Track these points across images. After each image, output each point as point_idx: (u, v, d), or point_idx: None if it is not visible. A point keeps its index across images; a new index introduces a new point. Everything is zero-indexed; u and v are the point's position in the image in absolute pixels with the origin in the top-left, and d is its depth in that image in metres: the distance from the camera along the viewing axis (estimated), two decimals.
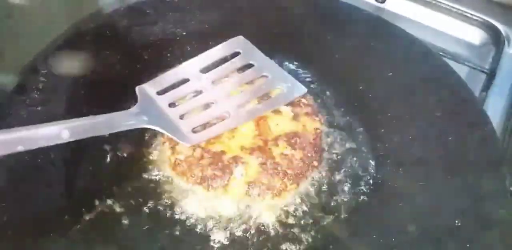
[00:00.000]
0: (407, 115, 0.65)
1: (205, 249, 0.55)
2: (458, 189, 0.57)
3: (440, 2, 0.86)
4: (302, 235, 0.56)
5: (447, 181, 0.58)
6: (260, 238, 0.56)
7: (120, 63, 0.68)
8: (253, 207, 0.58)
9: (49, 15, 0.76)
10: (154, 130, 0.58)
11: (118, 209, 0.57)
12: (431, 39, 0.81)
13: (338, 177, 0.62)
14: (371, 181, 0.61)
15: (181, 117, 0.60)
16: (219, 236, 0.56)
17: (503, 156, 0.61)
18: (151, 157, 0.62)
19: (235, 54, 0.67)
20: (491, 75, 0.77)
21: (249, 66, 0.66)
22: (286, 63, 0.72)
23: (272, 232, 0.56)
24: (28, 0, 0.78)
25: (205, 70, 0.65)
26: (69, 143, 0.51)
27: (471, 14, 0.85)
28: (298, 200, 0.59)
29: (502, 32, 0.83)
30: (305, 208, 0.58)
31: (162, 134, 0.60)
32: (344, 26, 0.73)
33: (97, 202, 0.57)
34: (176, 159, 0.59)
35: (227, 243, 0.55)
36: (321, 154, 0.63)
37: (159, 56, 0.71)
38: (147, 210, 0.57)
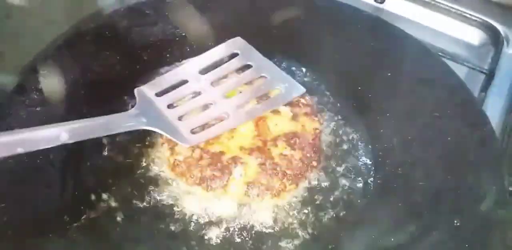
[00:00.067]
0: (406, 115, 0.65)
1: (202, 247, 0.55)
2: (457, 189, 0.58)
3: (439, 3, 0.86)
4: (301, 234, 0.56)
5: (446, 181, 0.58)
6: (258, 237, 0.56)
7: (120, 64, 0.68)
8: (252, 207, 0.58)
9: (49, 16, 0.76)
10: (153, 131, 0.58)
11: (116, 206, 0.57)
12: (430, 40, 0.81)
13: (337, 177, 0.62)
14: (370, 181, 0.61)
15: (180, 118, 0.60)
16: (217, 235, 0.56)
17: (502, 156, 0.62)
18: (150, 158, 0.62)
19: (234, 55, 0.67)
20: (490, 75, 0.77)
21: (248, 67, 0.66)
22: (285, 63, 0.72)
23: (271, 231, 0.56)
24: (28, 1, 0.78)
25: (204, 71, 0.65)
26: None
27: (470, 14, 0.85)
28: (297, 200, 0.59)
29: (501, 32, 0.83)
30: (303, 208, 0.59)
31: (161, 135, 0.60)
32: (343, 26, 0.73)
33: (96, 201, 0.57)
34: (175, 159, 0.59)
35: (224, 241, 0.56)
36: (320, 154, 0.63)
37: (158, 57, 0.71)
38: (146, 209, 0.58)
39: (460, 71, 0.75)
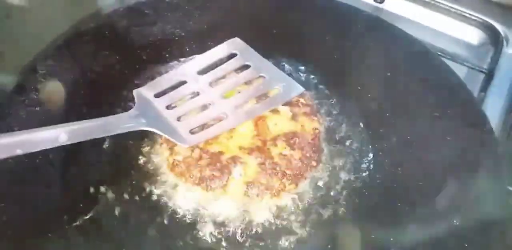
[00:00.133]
0: (406, 115, 0.65)
1: (202, 246, 0.55)
2: (457, 188, 0.58)
3: (439, 3, 0.86)
4: (300, 233, 0.56)
5: (445, 181, 0.58)
6: (257, 235, 0.56)
7: (119, 64, 0.68)
8: (251, 207, 0.58)
9: (48, 16, 0.76)
10: (152, 131, 0.58)
11: (115, 205, 0.57)
12: (430, 39, 0.81)
13: (336, 176, 0.62)
14: (369, 181, 0.61)
15: (179, 119, 0.61)
16: (216, 234, 0.56)
17: (501, 156, 0.61)
18: (149, 158, 0.62)
19: (232, 55, 0.67)
20: (489, 75, 0.77)
21: (246, 67, 0.67)
22: (284, 63, 0.72)
23: (270, 230, 0.57)
24: (27, 1, 0.78)
25: (202, 72, 0.66)
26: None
27: (469, 14, 0.85)
28: (297, 200, 0.59)
29: (501, 32, 0.83)
30: (303, 208, 0.58)
31: (160, 136, 0.61)
32: (343, 26, 0.73)
33: (95, 201, 0.57)
34: (174, 159, 0.59)
35: (224, 240, 0.56)
36: (320, 154, 0.63)
37: (158, 57, 0.71)
38: (145, 208, 0.58)
39: (460, 71, 0.75)
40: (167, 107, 0.61)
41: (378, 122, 0.66)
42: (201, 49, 0.70)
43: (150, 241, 0.56)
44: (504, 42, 0.82)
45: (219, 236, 0.56)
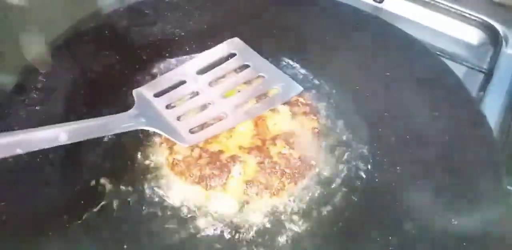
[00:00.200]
0: (405, 115, 0.66)
1: (202, 245, 0.56)
2: (455, 188, 0.58)
3: (438, 2, 0.86)
4: (299, 231, 0.57)
5: (444, 180, 0.59)
6: (256, 233, 0.56)
7: (119, 64, 0.68)
8: (250, 205, 0.58)
9: (48, 16, 0.76)
10: (152, 131, 0.59)
11: (115, 204, 0.57)
12: (429, 39, 0.81)
13: (336, 176, 0.62)
14: (368, 180, 0.61)
15: (178, 118, 0.61)
16: (215, 231, 0.56)
17: (500, 155, 0.62)
18: (149, 157, 0.62)
19: (231, 55, 0.67)
20: (488, 75, 0.77)
21: (245, 67, 0.67)
22: (283, 63, 0.72)
23: (268, 228, 0.57)
24: (27, 1, 0.78)
25: (202, 72, 0.66)
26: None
27: (469, 14, 0.85)
28: (296, 199, 0.59)
29: (500, 32, 0.83)
30: (302, 207, 0.59)
31: (160, 135, 0.61)
32: (342, 26, 0.73)
33: (94, 200, 0.57)
34: (174, 159, 0.60)
35: (222, 238, 0.56)
36: (319, 153, 0.63)
37: (158, 57, 0.71)
38: (145, 207, 0.58)
39: (459, 70, 0.75)
40: (167, 107, 0.61)
41: (377, 121, 0.66)
42: (201, 49, 0.70)
43: (149, 238, 0.56)
44: (504, 42, 0.82)
45: (218, 234, 0.56)
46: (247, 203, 0.58)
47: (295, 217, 0.58)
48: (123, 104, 0.65)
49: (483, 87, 0.75)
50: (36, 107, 0.61)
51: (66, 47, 0.67)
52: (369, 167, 0.62)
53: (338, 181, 0.61)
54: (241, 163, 0.59)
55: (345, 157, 0.63)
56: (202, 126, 0.61)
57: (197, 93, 0.64)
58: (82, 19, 0.71)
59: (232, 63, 0.67)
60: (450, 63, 0.72)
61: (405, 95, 0.68)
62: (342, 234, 0.56)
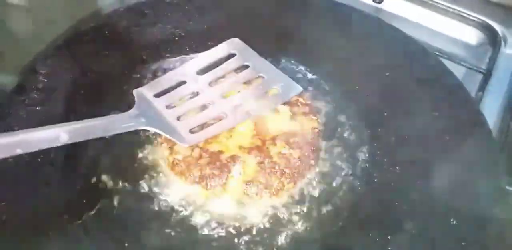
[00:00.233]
0: (404, 115, 0.66)
1: (201, 245, 0.56)
2: (454, 188, 0.58)
3: (437, 3, 0.87)
4: (298, 231, 0.57)
5: (443, 180, 0.59)
6: (256, 233, 0.57)
7: (119, 64, 0.68)
8: (250, 205, 0.58)
9: (48, 16, 0.76)
10: (152, 131, 0.59)
11: (114, 204, 0.58)
12: (428, 40, 0.81)
13: (335, 176, 0.62)
14: (368, 180, 0.61)
15: (179, 118, 0.61)
16: (214, 231, 0.57)
17: (499, 155, 0.62)
18: (149, 157, 0.62)
19: (231, 56, 0.67)
20: (487, 75, 0.77)
21: (245, 67, 0.67)
22: (283, 63, 0.73)
23: (268, 228, 0.57)
24: (27, 1, 0.78)
25: (202, 72, 0.66)
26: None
27: (468, 14, 0.86)
28: (295, 199, 0.59)
29: (499, 32, 0.83)
30: (301, 206, 0.59)
31: (160, 135, 0.61)
32: (341, 26, 0.74)
33: (94, 200, 0.57)
34: (174, 159, 0.60)
35: (221, 237, 0.56)
36: (318, 153, 0.63)
37: (158, 57, 0.71)
38: (145, 207, 0.58)
39: (458, 71, 0.75)
40: (167, 107, 0.61)
41: (376, 121, 0.66)
42: (201, 49, 0.70)
43: (149, 237, 0.56)
44: (502, 42, 0.82)
45: (217, 234, 0.56)
46: (247, 202, 0.58)
47: (294, 217, 0.58)
48: (124, 104, 0.65)
49: (482, 87, 0.75)
50: (37, 108, 0.61)
51: (66, 47, 0.67)
52: (369, 167, 0.62)
53: (338, 180, 0.61)
54: (241, 163, 0.59)
55: (345, 157, 0.64)
56: (202, 126, 0.61)
57: (197, 94, 0.64)
58: (82, 19, 0.71)
59: (232, 63, 0.67)
60: (449, 64, 0.72)
61: (405, 95, 0.68)
62: (342, 234, 0.57)
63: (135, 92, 0.62)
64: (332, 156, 0.64)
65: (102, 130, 0.54)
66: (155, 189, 0.59)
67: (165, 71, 0.69)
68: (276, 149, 0.60)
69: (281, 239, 0.56)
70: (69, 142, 0.51)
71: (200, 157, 0.59)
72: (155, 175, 0.60)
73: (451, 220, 0.55)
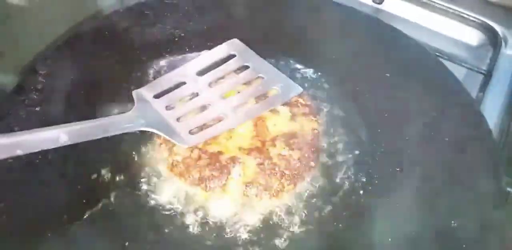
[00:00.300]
0: (404, 116, 0.65)
1: (197, 243, 0.56)
2: (455, 189, 0.58)
3: (438, 4, 0.86)
4: (297, 233, 0.57)
5: (443, 182, 0.59)
6: (254, 234, 0.56)
7: (119, 64, 0.68)
8: (250, 207, 0.58)
9: (49, 16, 0.76)
10: (152, 132, 0.59)
11: (114, 204, 0.58)
12: (429, 40, 0.81)
13: (335, 177, 0.62)
14: (368, 181, 0.61)
15: (178, 119, 0.61)
16: (214, 233, 0.57)
17: (499, 157, 0.61)
18: (148, 158, 0.62)
19: (231, 56, 0.67)
20: (488, 76, 0.77)
21: (245, 68, 0.67)
22: (283, 64, 0.72)
23: (266, 229, 0.57)
24: (28, 1, 0.78)
25: (201, 73, 0.66)
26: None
27: (468, 15, 0.85)
28: (295, 200, 0.59)
29: (499, 33, 0.83)
30: (301, 208, 0.59)
31: (159, 136, 0.61)
32: (341, 27, 0.73)
33: (94, 200, 0.57)
34: (174, 160, 0.60)
35: (222, 238, 0.56)
36: (319, 154, 0.63)
37: (158, 57, 0.71)
38: (145, 209, 0.58)
39: (458, 71, 0.75)
40: (167, 108, 0.61)
41: (377, 123, 0.66)
42: (201, 49, 0.70)
43: (148, 238, 0.56)
44: (503, 43, 0.82)
45: (217, 235, 0.56)
46: (247, 204, 0.58)
47: (294, 218, 0.58)
48: (123, 105, 0.65)
49: (483, 88, 0.75)
50: (36, 108, 0.61)
51: (67, 48, 0.67)
52: (369, 168, 0.62)
53: (338, 182, 0.61)
54: (241, 164, 0.59)
55: (345, 158, 0.63)
56: (202, 127, 0.61)
57: (197, 94, 0.64)
58: (82, 20, 0.71)
59: (231, 64, 0.67)
60: (449, 64, 0.72)
61: (405, 96, 0.68)
62: (341, 235, 0.57)
63: (134, 93, 0.62)
64: (332, 157, 0.63)
65: (101, 131, 0.54)
66: (155, 191, 0.59)
67: (165, 71, 0.69)
68: (276, 150, 0.60)
69: (281, 241, 0.56)
70: (69, 143, 0.51)
71: (200, 158, 0.59)
72: (154, 176, 0.60)
73: (452, 222, 0.55)
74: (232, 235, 0.57)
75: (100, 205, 0.57)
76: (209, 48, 0.69)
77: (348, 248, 0.56)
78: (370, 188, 0.61)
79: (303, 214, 0.58)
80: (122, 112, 0.59)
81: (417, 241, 0.55)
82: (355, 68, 0.71)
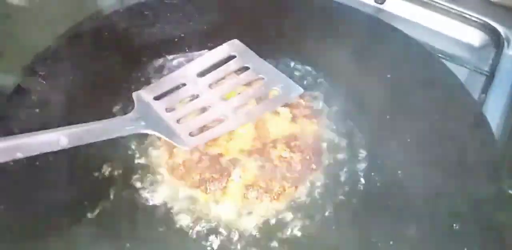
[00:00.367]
0: (406, 117, 0.65)
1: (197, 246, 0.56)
2: (457, 191, 0.58)
3: (440, 4, 0.86)
4: (299, 236, 0.57)
5: (445, 184, 0.58)
6: (253, 237, 0.56)
7: (119, 65, 0.68)
8: (250, 209, 0.58)
9: (48, 16, 0.76)
10: (152, 134, 0.58)
11: (114, 207, 0.58)
12: (431, 41, 0.81)
13: (336, 179, 0.62)
14: (369, 183, 0.61)
15: (178, 121, 0.60)
16: (214, 235, 0.57)
17: (501, 159, 0.61)
18: (148, 160, 0.62)
19: (231, 57, 0.67)
20: (490, 77, 0.77)
21: (245, 69, 0.66)
22: (283, 65, 0.72)
23: (266, 232, 0.57)
24: (27, 1, 0.78)
25: (201, 74, 0.65)
26: None
27: (470, 15, 0.85)
28: (296, 203, 0.59)
29: (502, 33, 0.83)
30: (302, 210, 0.58)
31: (160, 138, 0.60)
32: (343, 28, 0.73)
33: (93, 203, 0.57)
34: (174, 162, 0.59)
35: (222, 240, 0.56)
36: (320, 156, 0.62)
37: (158, 58, 0.71)
38: (144, 209, 0.58)
39: (461, 72, 0.75)
40: (167, 109, 0.61)
41: (378, 124, 0.66)
42: (201, 50, 0.70)
43: (148, 240, 0.56)
44: (505, 44, 0.82)
45: (217, 237, 0.56)
46: (247, 207, 0.58)
47: (295, 221, 0.58)
48: (123, 106, 0.65)
49: (485, 89, 0.75)
50: (36, 110, 0.61)
51: (66, 48, 0.67)
52: (370, 170, 0.62)
53: (339, 184, 0.61)
54: (241, 167, 0.58)
55: (346, 160, 0.63)
56: (202, 129, 0.61)
57: (197, 96, 0.63)
58: (82, 20, 0.71)
59: (232, 65, 0.66)
60: (451, 65, 0.72)
61: (406, 97, 0.67)
62: (343, 238, 0.56)
63: (134, 95, 0.62)
64: (333, 159, 0.63)
65: (101, 134, 0.53)
66: (154, 193, 0.59)
67: (165, 72, 0.69)
68: (276, 152, 0.60)
69: (281, 243, 0.56)
70: (69, 146, 0.51)
71: (200, 160, 0.59)
72: (154, 178, 0.60)
73: (453, 225, 0.54)
74: (232, 237, 0.56)
75: (99, 207, 0.57)
76: (209, 48, 0.69)
77: None
78: (371, 190, 0.60)
79: (304, 217, 0.58)
80: (123, 113, 0.59)
81: (419, 243, 0.55)
82: (356, 69, 0.71)
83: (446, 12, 0.86)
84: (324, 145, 0.64)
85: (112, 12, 0.73)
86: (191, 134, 0.60)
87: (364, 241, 0.56)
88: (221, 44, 0.69)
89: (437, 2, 0.86)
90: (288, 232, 0.57)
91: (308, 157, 0.60)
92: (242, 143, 0.60)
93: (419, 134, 0.63)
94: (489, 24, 0.84)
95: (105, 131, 0.54)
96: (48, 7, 0.78)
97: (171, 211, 0.58)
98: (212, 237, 0.56)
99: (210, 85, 0.64)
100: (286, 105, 0.65)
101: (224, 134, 0.61)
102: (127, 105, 0.64)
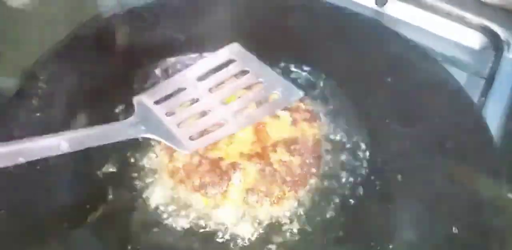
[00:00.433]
0: (405, 121, 0.65)
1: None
2: (456, 195, 0.58)
3: (440, 7, 0.86)
4: (298, 240, 0.57)
5: (444, 188, 0.59)
6: (255, 241, 0.56)
7: (120, 69, 0.68)
8: (250, 213, 0.58)
9: (49, 20, 0.76)
10: (152, 138, 0.59)
11: (114, 210, 0.58)
12: (431, 44, 0.80)
13: (336, 183, 0.61)
14: (369, 187, 0.61)
15: (179, 125, 0.61)
16: (213, 239, 0.57)
17: (501, 162, 0.61)
18: (147, 164, 0.62)
19: (231, 61, 0.67)
20: (490, 80, 0.77)
21: (245, 72, 0.66)
22: (284, 68, 0.72)
23: (265, 236, 0.57)
24: (28, 5, 0.78)
25: (201, 78, 0.66)
26: None
27: (470, 18, 0.85)
28: (296, 207, 0.59)
29: (502, 37, 0.83)
30: (302, 214, 0.58)
31: (160, 142, 0.61)
32: (343, 31, 0.73)
33: (93, 207, 0.57)
34: (174, 166, 0.59)
35: (221, 244, 0.56)
36: (320, 160, 0.62)
37: (158, 61, 0.71)
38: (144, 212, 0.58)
39: (460, 76, 0.75)
40: (167, 114, 0.61)
41: (378, 128, 0.66)
42: (201, 53, 0.70)
43: (149, 243, 0.56)
44: (505, 47, 0.82)
45: (216, 241, 0.56)
46: (247, 210, 0.58)
47: (294, 225, 0.58)
48: (124, 110, 0.65)
49: (485, 93, 0.74)
50: (36, 114, 0.61)
51: (67, 52, 0.67)
52: (370, 174, 0.62)
53: (339, 188, 0.61)
54: (241, 171, 0.58)
55: (346, 164, 0.63)
56: (202, 133, 0.61)
57: (197, 100, 0.64)
58: (82, 24, 0.71)
59: (232, 69, 0.67)
60: (451, 68, 0.72)
61: (406, 100, 0.67)
62: (342, 241, 0.56)
63: (135, 99, 0.62)
64: (333, 163, 0.63)
65: (102, 138, 0.54)
66: (154, 197, 0.59)
67: (166, 75, 0.69)
68: (276, 156, 0.60)
69: (280, 248, 0.56)
70: (70, 150, 0.51)
71: (200, 164, 0.59)
72: (154, 182, 0.60)
73: (453, 228, 0.54)
74: (232, 241, 0.56)
75: (100, 210, 0.57)
76: (210, 51, 0.69)
77: None
78: (371, 194, 0.60)
79: (304, 221, 0.58)
80: (124, 117, 0.59)
81: (418, 247, 0.55)
82: (356, 72, 0.70)
83: (446, 15, 0.86)
84: (324, 148, 0.64)
85: (112, 15, 0.73)
86: (191, 138, 0.60)
87: (363, 245, 0.56)
88: (221, 47, 0.69)
89: (437, 5, 0.86)
90: (287, 236, 0.57)
91: (308, 161, 0.60)
92: (242, 147, 0.61)
93: (419, 137, 0.64)
94: (489, 28, 0.84)
95: (106, 135, 0.54)
96: (49, 10, 0.78)
97: (171, 214, 0.58)
98: (211, 241, 0.56)
99: (210, 89, 0.65)
100: (286, 109, 0.65)
101: (224, 138, 0.61)
102: (128, 109, 0.64)
